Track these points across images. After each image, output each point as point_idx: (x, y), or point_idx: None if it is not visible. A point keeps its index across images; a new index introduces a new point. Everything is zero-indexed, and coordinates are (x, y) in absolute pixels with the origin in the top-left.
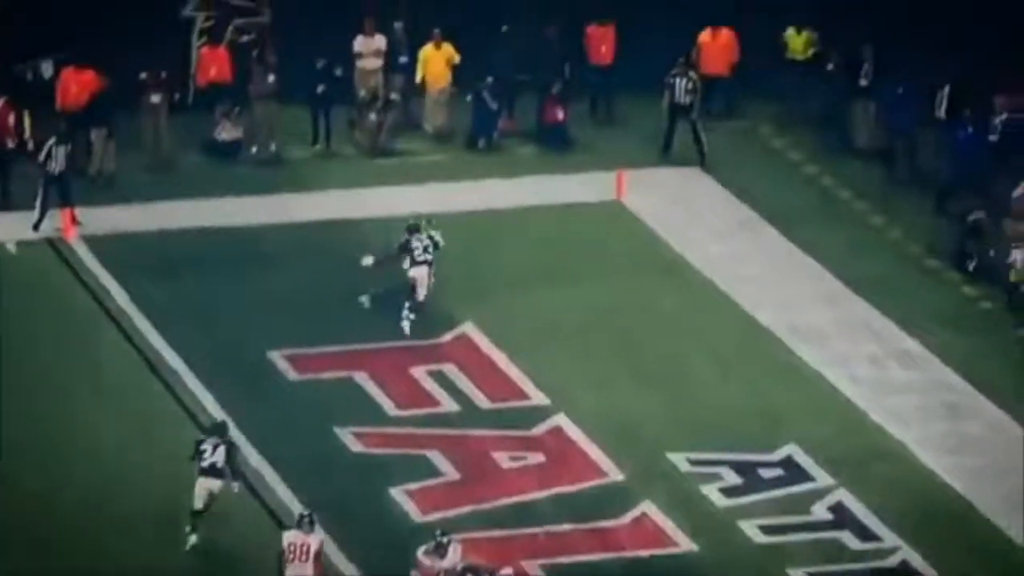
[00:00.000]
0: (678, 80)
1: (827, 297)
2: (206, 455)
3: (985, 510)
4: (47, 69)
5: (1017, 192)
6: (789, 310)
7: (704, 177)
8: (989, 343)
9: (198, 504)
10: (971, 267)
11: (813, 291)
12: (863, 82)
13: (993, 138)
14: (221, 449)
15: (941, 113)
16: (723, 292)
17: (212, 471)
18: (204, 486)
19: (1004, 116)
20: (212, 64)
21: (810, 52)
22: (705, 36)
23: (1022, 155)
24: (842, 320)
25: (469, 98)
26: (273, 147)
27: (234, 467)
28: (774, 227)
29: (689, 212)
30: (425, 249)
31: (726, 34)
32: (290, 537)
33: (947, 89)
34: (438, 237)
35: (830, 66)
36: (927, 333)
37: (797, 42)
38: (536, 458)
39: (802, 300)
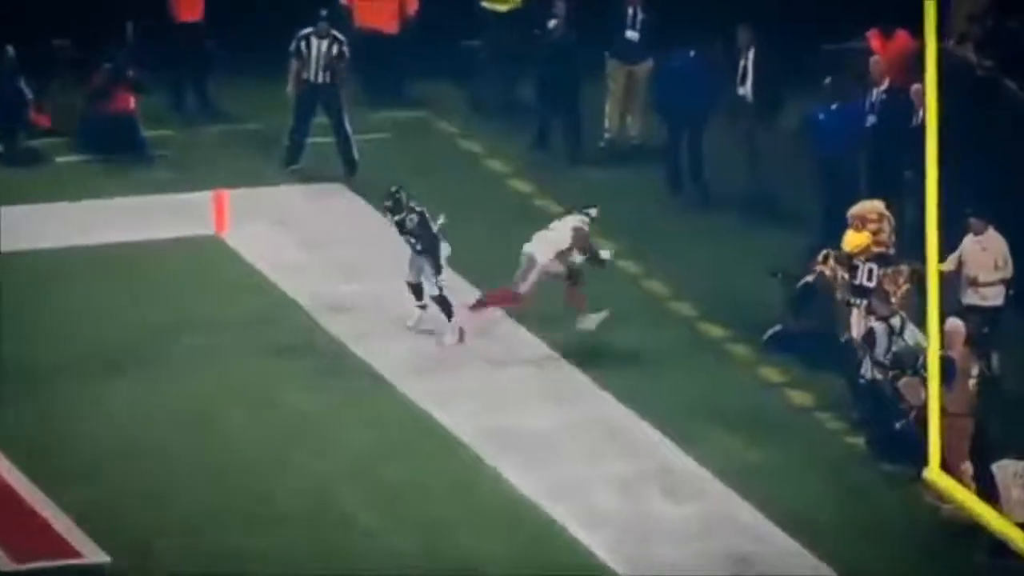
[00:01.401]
0: (315, 43)
1: (546, 384)
2: None
3: None
4: None
5: (853, 210)
6: (486, 405)
7: (353, 199)
8: (800, 458)
9: None
10: (769, 335)
11: (521, 374)
12: (631, 35)
13: (872, 120)
14: None
15: (746, 89)
16: (387, 382)
17: None
18: None
19: (885, 86)
20: None
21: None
22: None
23: (906, 146)
24: (570, 419)
25: None
26: None
27: None
28: (461, 275)
29: (330, 256)
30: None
31: None
32: None
33: (752, 52)
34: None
35: (553, 22)
36: (705, 441)
37: None
38: None
39: (507, 387)
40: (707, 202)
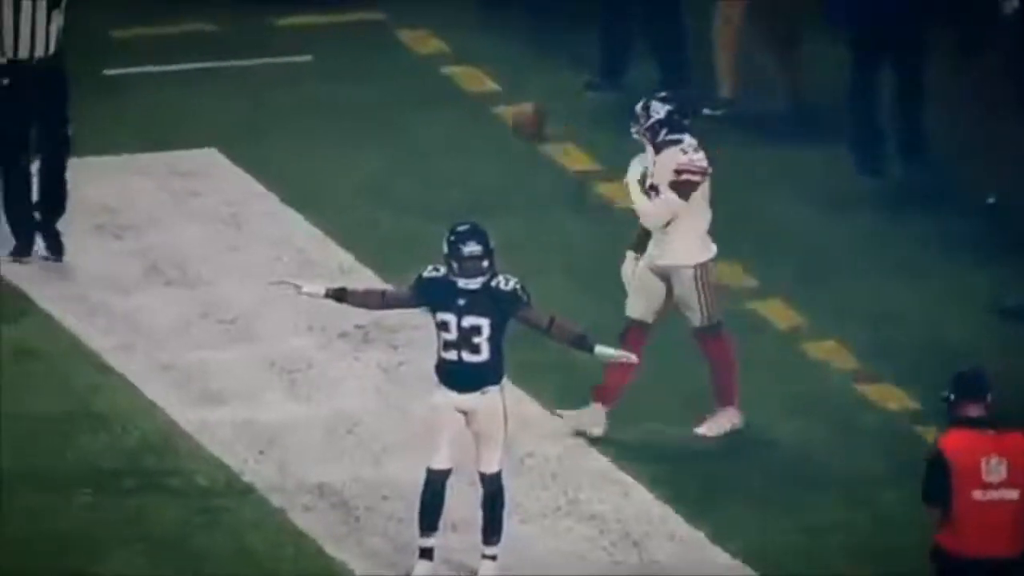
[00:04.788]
0: None
1: None
2: None
3: None
4: None
5: None
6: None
7: (239, 177)
8: None
9: None
10: None
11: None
12: None
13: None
14: None
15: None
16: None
17: None
18: None
19: None
20: None
21: None
22: None
23: None
24: None
25: None
26: None
27: None
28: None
29: (204, 295)
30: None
31: None
32: None
33: None
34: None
35: None
36: None
37: None
38: None
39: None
40: (932, 196)
